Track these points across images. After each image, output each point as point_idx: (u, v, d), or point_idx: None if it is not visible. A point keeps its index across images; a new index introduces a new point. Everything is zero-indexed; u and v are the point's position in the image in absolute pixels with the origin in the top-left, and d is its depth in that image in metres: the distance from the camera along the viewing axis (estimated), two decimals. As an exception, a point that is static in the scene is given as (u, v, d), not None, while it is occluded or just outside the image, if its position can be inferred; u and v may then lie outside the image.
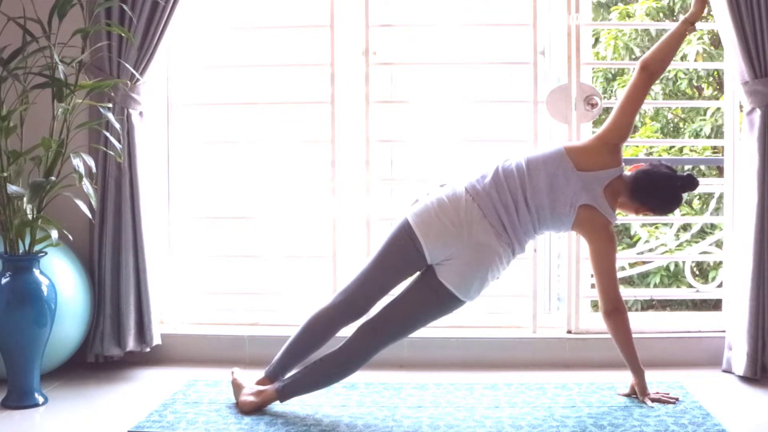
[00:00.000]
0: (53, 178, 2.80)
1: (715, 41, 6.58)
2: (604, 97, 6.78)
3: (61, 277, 2.98)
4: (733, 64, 3.08)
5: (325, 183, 3.44)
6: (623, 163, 2.78)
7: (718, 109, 6.32)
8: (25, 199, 2.77)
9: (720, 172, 5.69)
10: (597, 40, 7.04)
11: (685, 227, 5.53)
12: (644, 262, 5.34)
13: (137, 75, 3.14)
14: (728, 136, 3.37)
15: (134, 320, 3.21)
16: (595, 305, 4.43)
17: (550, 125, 3.62)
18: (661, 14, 7.02)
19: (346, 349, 2.69)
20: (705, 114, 6.78)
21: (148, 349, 3.27)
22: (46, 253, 2.87)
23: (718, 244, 4.01)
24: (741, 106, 3.21)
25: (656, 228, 5.94)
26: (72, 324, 3.04)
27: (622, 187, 2.75)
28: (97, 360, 3.22)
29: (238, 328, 3.45)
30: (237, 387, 2.77)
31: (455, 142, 3.81)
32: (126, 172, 3.19)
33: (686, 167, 6.59)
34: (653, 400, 2.77)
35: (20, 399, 2.78)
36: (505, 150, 3.66)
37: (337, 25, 3.39)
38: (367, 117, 3.39)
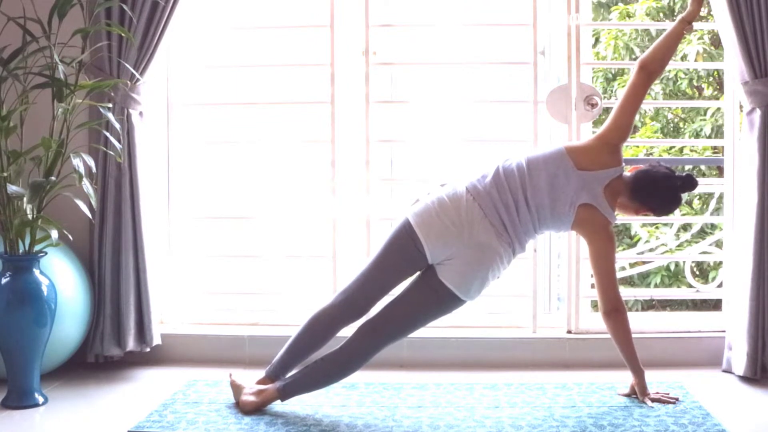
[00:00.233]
0: (53, 178, 2.80)
1: (715, 41, 6.58)
2: (604, 97, 6.77)
3: (61, 277, 2.98)
4: (733, 64, 3.08)
5: (325, 183, 3.44)
6: (623, 163, 2.78)
7: (718, 109, 6.31)
8: (25, 199, 2.77)
9: (720, 172, 5.69)
10: (597, 40, 7.03)
11: (685, 227, 5.53)
12: (644, 262, 5.34)
13: (137, 75, 3.14)
14: (728, 136, 3.37)
15: (134, 320, 3.21)
16: (595, 305, 4.43)
17: (550, 125, 3.62)
18: (661, 14, 7.02)
19: (346, 348, 2.69)
20: (705, 114, 6.78)
21: (148, 349, 3.27)
22: (46, 253, 2.87)
23: (718, 244, 4.01)
24: (741, 106, 3.21)
25: (656, 228, 5.94)
26: (72, 324, 3.04)
27: (622, 187, 2.75)
28: (97, 360, 3.22)
29: (238, 328, 3.45)
30: (236, 387, 2.77)
31: (455, 142, 3.81)
32: (126, 172, 3.19)
33: (686, 167, 6.60)
34: (653, 400, 2.78)
35: (20, 399, 2.78)
36: (505, 150, 3.65)
37: (337, 25, 3.39)
38: (367, 117, 3.39)
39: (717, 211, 4.07)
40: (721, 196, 3.75)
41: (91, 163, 2.87)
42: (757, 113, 3.04)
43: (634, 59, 6.83)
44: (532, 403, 2.80)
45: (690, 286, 3.90)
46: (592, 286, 3.54)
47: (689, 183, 2.78)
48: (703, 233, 5.64)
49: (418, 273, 2.73)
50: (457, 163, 3.88)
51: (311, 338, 2.75)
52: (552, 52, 5.02)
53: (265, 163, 3.90)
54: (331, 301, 2.77)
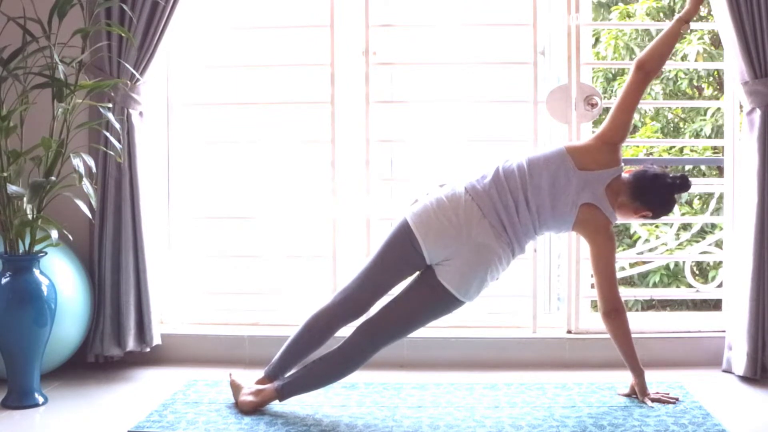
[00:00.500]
0: (53, 178, 2.80)
1: (715, 41, 6.57)
2: (604, 97, 6.76)
3: (61, 277, 2.98)
4: (733, 64, 3.08)
5: (325, 183, 3.44)
6: (622, 163, 2.78)
7: (719, 109, 6.31)
8: (25, 199, 2.77)
9: (720, 172, 5.69)
10: (597, 40, 7.03)
11: (685, 227, 5.53)
12: (644, 262, 5.34)
13: (137, 75, 3.14)
14: (728, 136, 3.37)
15: (134, 320, 3.21)
16: (595, 305, 4.43)
17: (550, 125, 3.62)
18: (662, 14, 7.02)
19: (345, 348, 2.69)
20: (705, 114, 6.77)
21: (148, 349, 3.27)
22: (46, 253, 2.87)
23: (718, 244, 4.01)
24: (741, 106, 3.21)
25: (656, 227, 5.94)
26: (72, 324, 3.04)
27: (622, 187, 2.75)
28: (97, 360, 3.23)
29: (238, 328, 3.45)
30: (236, 387, 2.77)
31: (455, 142, 3.81)
32: (126, 172, 3.19)
33: (686, 167, 6.60)
34: (653, 400, 2.78)
35: (20, 399, 2.78)
36: (505, 150, 3.65)
37: (337, 25, 3.39)
38: (367, 117, 3.39)
39: (717, 211, 4.07)
40: (721, 196, 3.75)
41: (91, 163, 2.87)
42: (757, 113, 3.04)
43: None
44: (532, 403, 2.80)
45: (690, 286, 3.90)
46: (592, 286, 3.54)
47: (684, 183, 2.78)
48: (703, 233, 5.64)
49: (417, 273, 2.73)
50: (457, 163, 3.88)
51: (310, 338, 2.75)
52: (552, 52, 5.01)
53: (265, 163, 3.90)
54: (329, 301, 2.78)
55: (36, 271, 2.82)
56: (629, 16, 6.99)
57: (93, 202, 2.82)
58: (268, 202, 3.88)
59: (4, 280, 2.78)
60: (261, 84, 3.93)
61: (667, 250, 5.09)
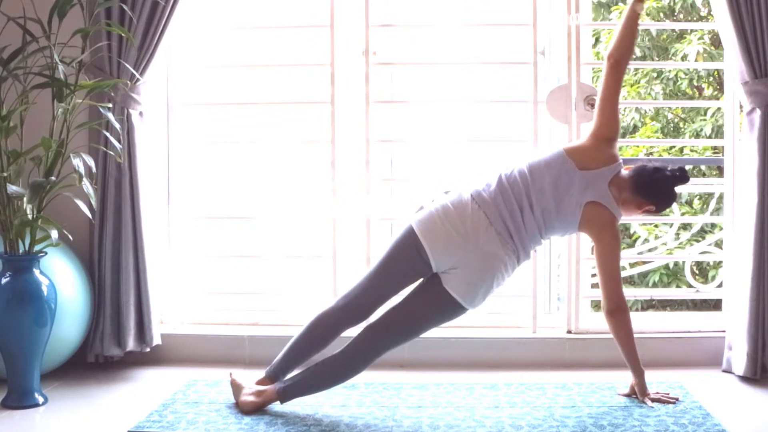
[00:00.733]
0: (53, 178, 2.80)
1: (715, 41, 6.57)
2: (604, 97, 6.78)
3: (61, 277, 2.98)
4: (733, 64, 3.08)
5: (325, 183, 3.44)
6: (620, 159, 2.80)
7: (719, 109, 6.31)
8: (25, 199, 2.77)
9: (720, 172, 5.69)
10: (597, 40, 7.03)
11: (685, 227, 5.53)
12: (644, 262, 5.34)
13: (137, 75, 3.14)
14: (728, 136, 3.37)
15: (134, 320, 3.21)
16: (595, 305, 4.42)
17: (550, 125, 3.62)
18: (662, 14, 7.02)
19: (348, 352, 2.69)
20: (705, 114, 6.78)
21: (148, 349, 3.27)
22: (46, 253, 2.87)
23: (718, 244, 4.01)
24: (741, 106, 3.21)
25: (656, 227, 5.94)
26: (72, 324, 3.04)
27: (623, 183, 2.76)
28: (97, 360, 3.22)
29: (238, 328, 3.45)
30: (236, 387, 2.77)
31: (455, 142, 3.81)
32: (126, 172, 3.19)
33: (686, 167, 6.59)
34: (653, 400, 2.78)
35: (20, 399, 2.78)
36: (505, 150, 3.66)
37: (337, 25, 3.38)
38: (367, 117, 3.39)
39: (717, 211, 4.08)
40: (721, 196, 3.75)
41: (91, 163, 2.86)
42: (757, 113, 3.04)
43: (635, 59, 6.86)
44: (532, 403, 2.80)
45: (690, 285, 3.90)
46: (592, 286, 3.54)
47: (684, 175, 2.81)
48: (703, 233, 5.65)
49: (422, 279, 2.72)
50: (457, 163, 3.88)
51: (312, 340, 2.75)
52: (552, 52, 5.01)
53: (265, 163, 3.90)
54: (333, 303, 2.78)
55: (36, 271, 2.82)
56: (629, 16, 6.98)
57: (93, 202, 2.82)
58: (268, 202, 3.88)
59: (4, 280, 2.78)
60: (261, 84, 3.94)
61: (667, 250, 5.09)
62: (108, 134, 3.00)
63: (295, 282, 3.68)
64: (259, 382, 2.75)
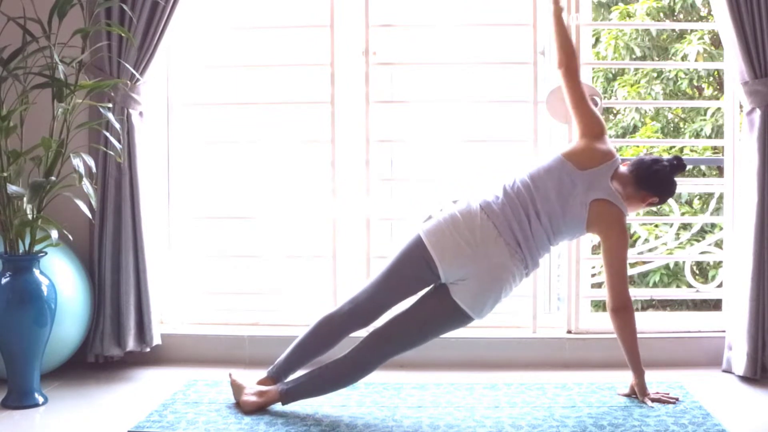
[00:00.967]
0: (53, 178, 2.80)
1: (715, 41, 6.58)
2: (604, 97, 6.78)
3: (61, 277, 2.98)
4: (733, 64, 3.08)
5: (325, 183, 3.44)
6: (617, 154, 2.83)
7: (719, 109, 6.32)
8: (25, 199, 2.77)
9: (720, 172, 5.69)
10: (597, 40, 7.03)
11: (685, 227, 5.53)
12: (644, 262, 5.34)
13: (137, 75, 3.14)
14: (728, 136, 3.37)
15: (134, 320, 3.22)
16: (595, 305, 4.42)
17: (550, 125, 3.61)
18: (662, 14, 7.02)
19: (352, 357, 2.69)
20: (705, 114, 6.78)
21: (148, 349, 3.27)
22: (46, 253, 2.87)
23: (718, 244, 4.01)
24: (741, 106, 3.21)
25: (656, 227, 5.94)
26: (72, 324, 3.04)
27: (624, 179, 2.79)
28: (97, 360, 3.23)
29: (238, 328, 3.45)
30: (237, 387, 2.77)
31: (455, 142, 3.81)
32: (126, 172, 3.19)
33: (686, 167, 6.58)
34: (653, 400, 2.78)
35: (20, 399, 2.79)
36: (505, 150, 3.65)
37: (337, 25, 3.39)
38: (367, 117, 3.39)
39: (717, 211, 4.07)
40: (721, 196, 3.75)
41: (91, 163, 2.87)
42: (757, 113, 3.04)
43: (635, 59, 6.86)
44: (532, 403, 2.80)
45: (690, 285, 3.90)
46: (592, 286, 3.55)
47: (681, 163, 2.86)
48: (703, 233, 5.65)
49: (429, 287, 2.72)
50: (457, 163, 3.87)
51: (317, 342, 2.75)
52: (552, 52, 5.01)
53: (265, 163, 3.90)
54: (338, 307, 2.78)
55: (36, 271, 2.82)
56: (629, 16, 7.00)
57: (93, 202, 2.82)
58: (268, 202, 3.88)
59: (4, 280, 2.78)
60: (261, 84, 3.93)
61: (668, 250, 5.09)
62: (108, 134, 3.00)
63: (295, 282, 3.68)
64: (261, 382, 2.75)
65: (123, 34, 3.04)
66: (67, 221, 2.88)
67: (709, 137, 6.45)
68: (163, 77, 3.42)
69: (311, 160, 3.72)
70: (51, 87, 2.85)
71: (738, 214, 3.19)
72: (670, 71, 6.89)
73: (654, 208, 6.08)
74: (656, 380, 2.94)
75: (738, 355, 3.09)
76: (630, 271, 5.23)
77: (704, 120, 6.69)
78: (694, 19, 7.15)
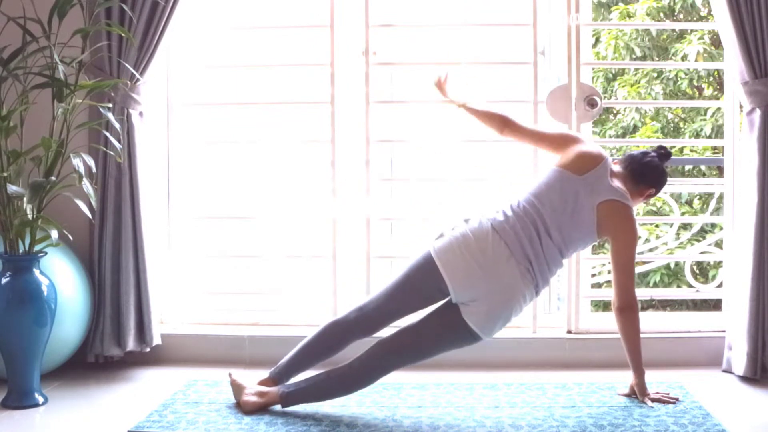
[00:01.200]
0: (53, 178, 2.80)
1: (715, 41, 6.58)
2: (604, 97, 6.78)
3: (61, 277, 2.98)
4: (733, 64, 3.08)
5: (325, 183, 3.44)
6: (606, 153, 2.84)
7: (718, 109, 6.32)
8: (25, 199, 2.77)
9: (720, 172, 5.69)
10: (597, 40, 7.03)
11: (685, 227, 5.53)
12: (644, 262, 5.34)
13: (137, 75, 3.14)
14: (728, 136, 3.37)
15: (134, 320, 3.21)
16: (595, 305, 4.42)
17: (550, 125, 3.61)
18: (662, 14, 7.02)
19: (356, 366, 2.68)
20: (705, 114, 6.78)
21: (148, 349, 3.27)
22: (46, 253, 2.87)
23: (718, 244, 4.01)
24: (741, 106, 3.21)
25: (656, 227, 5.94)
26: (72, 324, 3.04)
27: (620, 176, 2.81)
28: (97, 360, 3.23)
29: (238, 328, 3.45)
30: (237, 387, 2.77)
31: (455, 142, 3.81)
32: (126, 172, 3.19)
33: (686, 167, 6.59)
34: (653, 400, 2.78)
35: (20, 399, 2.78)
36: (505, 150, 3.65)
37: (337, 25, 3.39)
38: (367, 117, 3.39)
39: (717, 211, 4.07)
40: (721, 196, 3.75)
41: (91, 163, 2.87)
42: (757, 113, 3.04)
43: (635, 59, 6.86)
44: (532, 403, 2.80)
45: (690, 285, 3.90)
46: (593, 286, 3.55)
47: (667, 152, 2.90)
48: (703, 233, 5.65)
49: (440, 303, 2.71)
50: (457, 163, 3.87)
51: (321, 348, 2.75)
52: (552, 52, 5.02)
53: (265, 163, 3.90)
54: (345, 314, 2.77)
55: (36, 271, 2.82)
56: (629, 16, 7.00)
57: (93, 202, 2.82)
58: (268, 202, 3.88)
59: (4, 280, 2.78)
60: (261, 84, 3.93)
61: (668, 250, 5.09)
62: (108, 134, 3.00)
63: (295, 282, 3.68)
64: (262, 383, 2.75)
65: (123, 34, 3.04)
66: (67, 221, 2.88)
67: (709, 137, 6.45)
68: (163, 77, 3.42)
69: (311, 160, 3.72)
70: (51, 87, 2.85)
71: (738, 214, 3.19)
72: (670, 71, 6.89)
73: (654, 208, 6.10)
74: (656, 380, 2.94)
75: (738, 355, 3.09)
76: (631, 271, 5.25)
77: (704, 120, 6.70)
78: (694, 19, 7.15)
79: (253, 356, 3.30)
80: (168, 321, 3.47)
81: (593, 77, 6.92)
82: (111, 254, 3.20)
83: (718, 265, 5.44)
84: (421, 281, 2.67)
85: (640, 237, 3.25)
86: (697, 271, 6.36)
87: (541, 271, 2.66)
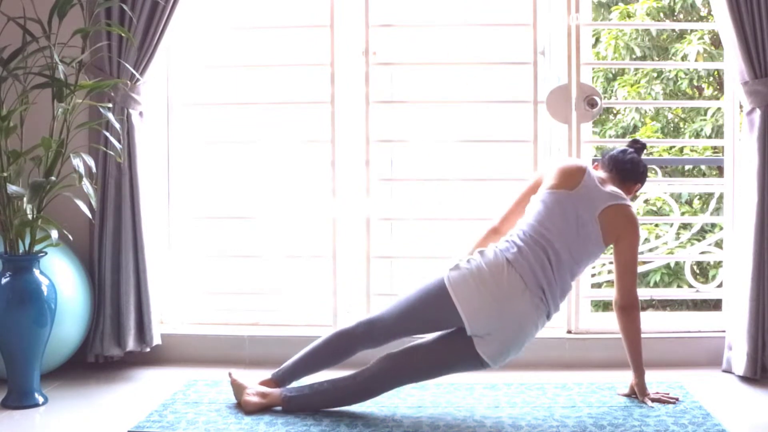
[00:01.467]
0: (53, 178, 2.80)
1: (715, 41, 6.57)
2: (604, 97, 6.78)
3: (61, 277, 2.98)
4: (733, 64, 3.08)
5: (325, 183, 3.44)
6: (586, 163, 2.87)
7: (719, 109, 6.31)
8: (25, 199, 2.77)
9: (720, 172, 5.69)
10: (597, 40, 7.03)
11: (686, 226, 5.53)
12: (644, 262, 5.34)
13: (137, 75, 3.14)
14: (728, 136, 3.37)
15: (134, 320, 3.22)
16: (595, 305, 4.42)
17: (550, 125, 3.62)
18: (662, 14, 7.02)
19: (362, 379, 2.68)
20: (705, 114, 6.77)
21: (148, 349, 3.27)
22: (46, 253, 2.87)
23: (718, 244, 4.01)
24: (741, 106, 3.21)
25: (656, 226, 5.94)
26: (72, 324, 3.04)
27: (607, 179, 2.83)
28: (97, 360, 3.23)
29: (238, 328, 3.45)
30: (238, 387, 2.77)
31: (455, 142, 3.82)
32: (126, 172, 3.19)
33: (686, 167, 6.59)
34: (653, 400, 2.78)
35: (20, 399, 2.78)
36: (505, 150, 3.65)
37: (337, 25, 3.38)
38: (367, 117, 3.39)
39: (717, 211, 4.07)
40: (721, 196, 3.75)
41: (91, 163, 2.87)
42: (757, 113, 3.04)
43: (635, 59, 6.86)
44: (532, 403, 2.80)
45: (690, 285, 3.90)
46: (592, 286, 3.55)
47: (642, 144, 2.97)
48: (703, 233, 5.64)
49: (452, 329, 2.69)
50: (457, 163, 3.88)
51: (328, 355, 2.75)
52: (552, 52, 5.01)
53: (265, 163, 3.90)
54: (353, 325, 2.77)
55: (36, 271, 2.82)
56: (629, 16, 6.99)
57: (93, 202, 2.82)
58: (268, 202, 3.88)
59: (4, 280, 2.78)
60: (261, 84, 3.93)
61: (668, 249, 5.09)
62: (108, 134, 3.00)
63: (295, 282, 3.68)
64: (264, 383, 2.75)
65: (123, 34, 3.04)
66: (67, 221, 2.88)
67: (709, 137, 6.45)
68: (163, 77, 3.42)
69: (311, 160, 3.72)
70: (51, 87, 2.85)
71: (738, 214, 3.19)
72: (670, 71, 6.88)
73: (654, 208, 6.09)
74: (656, 380, 2.94)
75: (738, 355, 3.09)
76: (631, 271, 5.25)
77: (704, 120, 6.69)
78: (694, 19, 7.15)
79: (253, 356, 3.30)
80: (168, 321, 3.47)
81: (593, 77, 6.92)
82: (111, 254, 3.20)
83: (718, 265, 5.44)
84: (434, 312, 2.66)
85: (642, 234, 3.25)
86: (697, 271, 6.36)
87: (553, 297, 2.66)
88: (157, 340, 3.28)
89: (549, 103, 3.33)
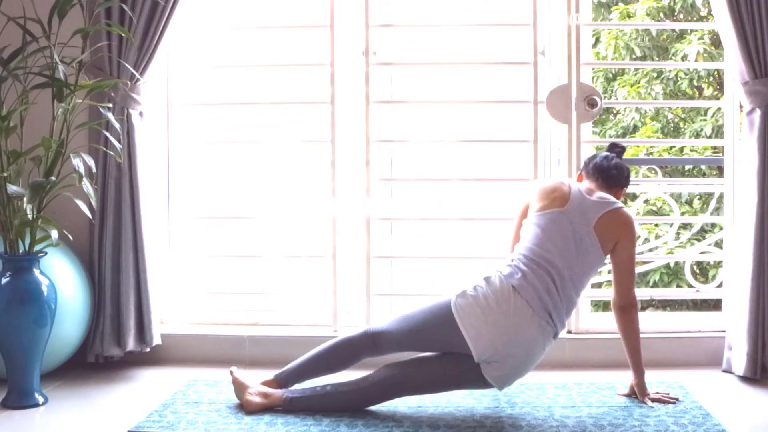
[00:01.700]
0: (53, 178, 2.80)
1: (715, 41, 6.57)
2: (604, 97, 6.78)
3: (61, 277, 2.98)
4: (733, 64, 3.08)
5: (325, 183, 3.44)
6: (564, 178, 2.90)
7: (719, 109, 6.31)
8: (25, 199, 2.77)
9: (720, 172, 5.68)
10: (597, 40, 7.03)
11: (686, 226, 5.53)
12: (644, 262, 5.34)
13: (137, 75, 3.14)
14: (728, 136, 3.37)
15: (134, 320, 3.22)
16: (595, 305, 4.41)
17: (550, 125, 3.62)
18: (662, 14, 7.01)
19: (366, 387, 2.68)
20: (705, 114, 6.77)
21: (148, 349, 3.27)
22: (46, 253, 2.87)
23: (718, 244, 4.01)
24: (741, 106, 3.21)
25: (656, 226, 5.94)
26: (72, 324, 3.04)
27: (593, 186, 2.83)
28: (97, 360, 3.23)
29: (238, 328, 3.45)
30: (240, 386, 2.76)
31: (455, 142, 3.82)
32: (126, 172, 3.19)
33: (686, 167, 6.58)
34: (653, 400, 2.78)
35: (20, 399, 2.79)
36: (505, 150, 3.65)
37: (337, 25, 3.39)
38: (367, 117, 3.39)
39: (717, 211, 4.07)
40: (721, 196, 3.75)
41: (91, 163, 2.87)
42: (757, 113, 3.04)
43: (635, 59, 6.86)
44: (532, 403, 2.80)
45: (690, 285, 3.90)
46: (592, 286, 3.54)
47: (622, 147, 2.97)
48: (703, 233, 5.64)
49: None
50: (457, 164, 3.87)
51: (332, 361, 2.77)
52: (552, 52, 5.01)
53: (265, 164, 3.90)
54: (359, 334, 2.77)
55: (36, 271, 2.82)
56: (629, 16, 6.99)
57: (93, 202, 2.82)
58: (268, 202, 3.88)
59: (4, 280, 2.78)
60: (261, 84, 3.93)
61: (668, 249, 5.09)
62: (108, 134, 3.00)
63: (295, 282, 3.68)
64: (266, 383, 2.75)
65: (123, 34, 3.04)
66: (67, 221, 2.88)
67: (709, 137, 6.44)
68: (163, 77, 3.43)
69: (311, 160, 3.72)
70: (51, 87, 2.85)
71: (738, 214, 3.19)
72: (670, 71, 6.88)
73: (654, 208, 6.09)
74: (656, 380, 2.94)
75: (738, 355, 3.09)
76: (630, 271, 5.24)
77: (704, 120, 6.69)
78: (694, 19, 7.14)
79: (253, 356, 3.30)
80: (168, 321, 3.47)
81: (593, 77, 6.92)
82: (111, 254, 3.20)
83: (718, 265, 5.44)
84: (441, 335, 2.65)
85: (639, 236, 3.25)
86: (697, 271, 6.35)
87: (559, 317, 2.66)
88: (157, 340, 3.28)
89: (549, 103, 3.33)
